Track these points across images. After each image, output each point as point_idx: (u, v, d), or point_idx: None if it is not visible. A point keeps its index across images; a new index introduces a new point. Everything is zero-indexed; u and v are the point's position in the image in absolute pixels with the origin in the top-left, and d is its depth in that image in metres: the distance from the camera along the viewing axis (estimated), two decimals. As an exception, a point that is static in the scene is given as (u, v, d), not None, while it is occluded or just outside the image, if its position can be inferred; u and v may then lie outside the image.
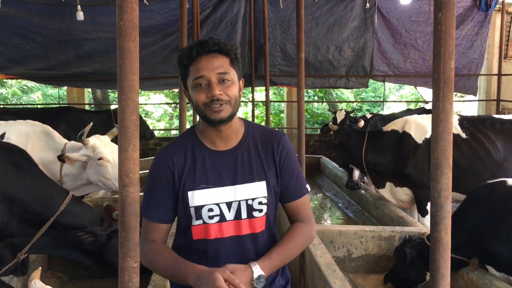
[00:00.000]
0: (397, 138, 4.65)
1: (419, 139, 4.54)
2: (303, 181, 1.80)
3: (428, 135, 4.48)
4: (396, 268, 3.50)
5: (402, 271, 3.40)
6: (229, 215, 1.67)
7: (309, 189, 1.81)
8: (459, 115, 4.99)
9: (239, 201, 1.67)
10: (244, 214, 1.68)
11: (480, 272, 3.11)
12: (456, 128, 4.55)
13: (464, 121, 4.65)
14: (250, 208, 1.68)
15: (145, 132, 7.09)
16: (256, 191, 1.69)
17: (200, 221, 1.67)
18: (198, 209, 1.66)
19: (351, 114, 6.88)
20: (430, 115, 5.22)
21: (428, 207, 4.53)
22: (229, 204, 1.67)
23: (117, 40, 1.20)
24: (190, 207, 1.66)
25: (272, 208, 1.74)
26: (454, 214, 3.20)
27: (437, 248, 1.33)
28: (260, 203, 1.68)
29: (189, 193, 1.66)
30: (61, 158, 3.59)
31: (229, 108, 1.63)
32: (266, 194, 1.70)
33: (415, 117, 4.82)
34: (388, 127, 4.84)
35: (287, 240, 1.71)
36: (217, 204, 1.66)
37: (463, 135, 4.52)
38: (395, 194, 4.82)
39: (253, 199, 1.68)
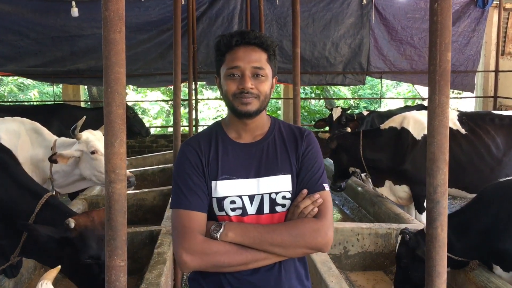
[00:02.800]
0: (395, 135, 4.61)
1: (417, 135, 4.50)
2: (323, 179, 1.66)
3: (426, 131, 4.44)
4: (408, 272, 3.14)
5: (418, 273, 3.04)
6: (251, 209, 1.61)
7: (327, 188, 1.65)
8: (458, 111, 4.95)
9: (262, 195, 1.61)
10: (266, 209, 1.62)
11: (478, 269, 3.09)
12: (456, 124, 4.51)
13: (464, 117, 4.62)
14: (273, 203, 1.62)
15: (141, 129, 7.04)
16: (280, 184, 1.63)
17: (223, 213, 1.61)
18: (220, 200, 1.61)
19: (348, 111, 6.84)
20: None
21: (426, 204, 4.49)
22: (251, 197, 1.61)
23: (103, 31, 1.16)
24: (212, 198, 1.62)
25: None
26: (461, 214, 3.14)
27: (433, 246, 1.29)
28: (283, 197, 1.62)
29: (212, 183, 1.62)
30: (52, 159, 3.49)
31: (257, 103, 1.61)
32: (290, 188, 1.63)
33: (414, 113, 4.80)
34: (386, 125, 4.80)
35: (281, 223, 1.61)
36: (240, 197, 1.61)
37: (463, 131, 4.49)
38: (394, 192, 4.79)
39: (276, 193, 1.62)
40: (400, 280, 3.24)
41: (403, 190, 4.70)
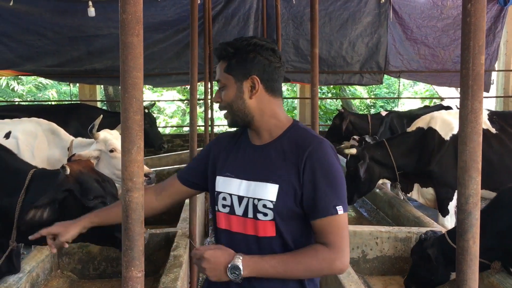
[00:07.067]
0: (422, 135, 4.54)
1: (445, 135, 4.41)
2: (333, 199, 1.52)
3: (455, 131, 4.36)
4: (417, 270, 3.26)
5: (425, 273, 3.17)
6: (239, 210, 1.63)
7: (340, 211, 1.52)
8: (488, 110, 4.86)
9: (248, 198, 1.61)
10: (250, 213, 1.61)
11: (501, 275, 3.01)
12: (486, 123, 4.44)
13: (494, 116, 4.54)
14: (255, 209, 1.60)
15: (154, 141, 6.55)
16: (265, 192, 1.57)
17: (216, 207, 1.69)
18: (217, 195, 1.69)
19: (366, 113, 6.73)
20: (457, 111, 5.09)
21: (450, 207, 4.40)
22: (240, 198, 1.62)
23: (120, 34, 1.12)
24: (214, 192, 1.71)
25: (286, 217, 1.58)
26: (480, 214, 3.08)
27: (464, 259, 1.23)
28: (264, 206, 1.57)
29: (217, 178, 1.70)
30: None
31: (228, 114, 1.68)
32: (274, 199, 1.56)
33: (442, 112, 4.72)
34: (414, 126, 4.72)
35: (293, 253, 1.56)
36: (230, 195, 1.65)
37: (493, 130, 4.41)
38: (422, 194, 4.73)
39: (258, 200, 1.58)
40: (412, 276, 3.35)
41: (430, 193, 4.62)
